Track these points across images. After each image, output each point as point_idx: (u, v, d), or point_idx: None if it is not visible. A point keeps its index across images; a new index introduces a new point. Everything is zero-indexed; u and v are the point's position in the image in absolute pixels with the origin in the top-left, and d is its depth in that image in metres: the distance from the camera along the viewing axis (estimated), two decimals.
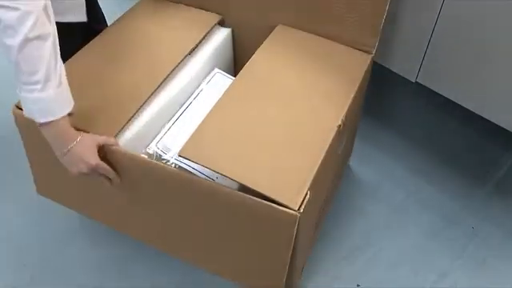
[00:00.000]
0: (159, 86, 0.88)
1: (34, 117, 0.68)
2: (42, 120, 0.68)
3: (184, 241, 0.84)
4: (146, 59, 0.89)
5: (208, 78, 0.98)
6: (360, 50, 0.91)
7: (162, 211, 0.82)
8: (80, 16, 0.91)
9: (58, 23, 0.69)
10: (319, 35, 0.93)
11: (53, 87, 0.66)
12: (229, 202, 0.69)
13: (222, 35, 1.02)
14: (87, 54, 0.90)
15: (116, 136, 0.78)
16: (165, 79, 0.89)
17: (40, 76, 0.64)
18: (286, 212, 0.64)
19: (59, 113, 0.68)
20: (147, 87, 0.83)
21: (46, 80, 0.65)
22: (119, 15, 0.99)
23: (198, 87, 0.96)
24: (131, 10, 1.01)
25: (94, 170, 0.73)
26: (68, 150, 0.71)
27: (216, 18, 1.00)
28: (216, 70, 0.99)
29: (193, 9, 1.01)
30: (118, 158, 0.75)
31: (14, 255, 1.06)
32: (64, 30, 0.77)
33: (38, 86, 0.64)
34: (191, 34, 0.95)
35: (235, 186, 0.71)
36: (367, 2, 0.88)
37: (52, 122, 0.68)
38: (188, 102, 0.93)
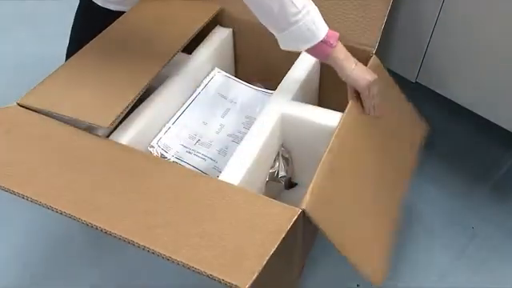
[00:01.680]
0: (160, 86, 0.89)
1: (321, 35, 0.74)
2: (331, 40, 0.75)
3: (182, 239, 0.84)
4: (145, 50, 0.90)
5: (208, 77, 0.98)
6: (360, 49, 0.91)
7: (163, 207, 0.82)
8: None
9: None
10: None
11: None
12: (230, 197, 0.69)
13: (221, 35, 1.02)
14: (90, 48, 0.90)
15: (117, 133, 0.79)
16: (165, 78, 0.90)
17: None
18: (288, 208, 0.64)
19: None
20: (144, 77, 0.83)
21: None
22: None
23: (198, 87, 0.96)
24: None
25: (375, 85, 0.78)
26: (356, 63, 0.77)
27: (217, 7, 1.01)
28: (216, 69, 0.99)
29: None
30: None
31: (14, 255, 1.06)
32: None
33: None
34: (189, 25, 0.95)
35: (237, 182, 0.72)
36: (369, 3, 0.88)
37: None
38: (188, 102, 0.94)
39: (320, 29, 0.73)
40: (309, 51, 0.77)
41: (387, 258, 0.71)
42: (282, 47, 0.77)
